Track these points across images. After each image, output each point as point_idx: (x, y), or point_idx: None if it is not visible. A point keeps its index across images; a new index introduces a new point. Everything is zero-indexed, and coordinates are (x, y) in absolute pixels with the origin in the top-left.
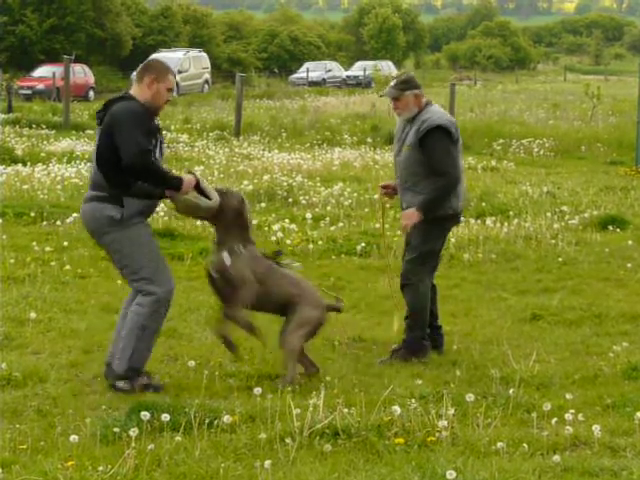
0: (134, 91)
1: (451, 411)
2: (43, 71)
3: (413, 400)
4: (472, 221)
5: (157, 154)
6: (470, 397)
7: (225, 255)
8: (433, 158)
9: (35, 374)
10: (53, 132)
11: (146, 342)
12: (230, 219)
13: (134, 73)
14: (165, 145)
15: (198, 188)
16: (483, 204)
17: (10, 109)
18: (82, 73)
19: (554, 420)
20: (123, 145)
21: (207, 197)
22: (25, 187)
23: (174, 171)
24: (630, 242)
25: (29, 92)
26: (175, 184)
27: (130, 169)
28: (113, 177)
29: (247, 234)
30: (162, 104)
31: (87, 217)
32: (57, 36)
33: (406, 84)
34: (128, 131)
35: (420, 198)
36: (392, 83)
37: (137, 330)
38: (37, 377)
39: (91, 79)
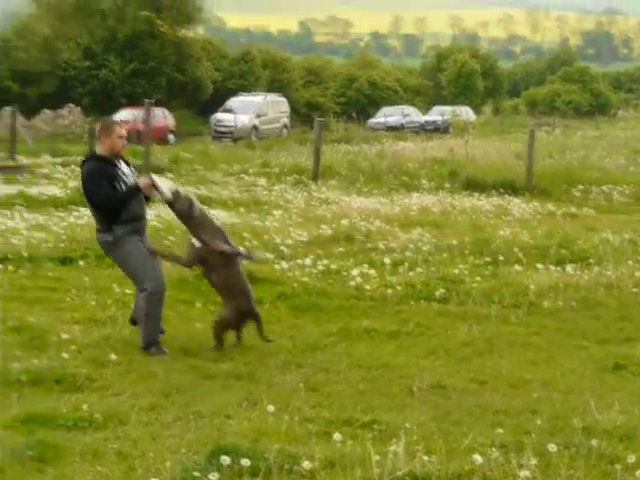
0: (97, 149)
1: (533, 461)
2: (124, 114)
3: (494, 449)
4: (552, 268)
5: (122, 185)
6: (552, 447)
7: (194, 241)
8: None
9: (115, 416)
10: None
11: (152, 324)
12: (185, 220)
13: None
14: (131, 169)
15: (155, 186)
16: (563, 251)
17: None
18: (162, 116)
19: (639, 472)
20: (93, 196)
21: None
22: None
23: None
24: None
25: None
26: (133, 192)
27: (106, 210)
28: (99, 215)
29: (204, 231)
30: (120, 149)
31: (97, 242)
32: (139, 80)
33: None
34: (92, 187)
35: None
36: None
37: (145, 317)
38: (117, 419)
39: (171, 122)
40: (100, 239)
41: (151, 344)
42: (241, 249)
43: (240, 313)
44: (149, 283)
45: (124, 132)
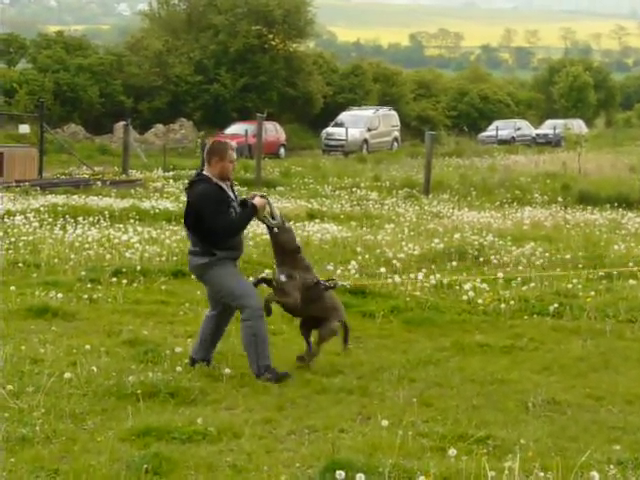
0: (207, 171)
1: None
2: (236, 129)
3: (611, 466)
4: None
5: (232, 210)
6: None
7: (282, 276)
8: None
9: (230, 429)
10: (245, 189)
11: (261, 345)
12: (287, 252)
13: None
14: (235, 194)
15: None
16: None
17: (204, 166)
18: (273, 131)
19: None
20: (210, 224)
21: (273, 217)
22: None
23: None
24: None
25: None
26: (252, 216)
27: (220, 238)
28: (203, 239)
29: (298, 263)
30: (229, 174)
31: (190, 265)
32: (250, 94)
33: None
34: (210, 213)
35: None
36: None
37: (252, 338)
38: (231, 432)
39: (282, 136)
40: (195, 262)
41: (265, 369)
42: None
43: (341, 324)
44: (251, 300)
45: (235, 156)
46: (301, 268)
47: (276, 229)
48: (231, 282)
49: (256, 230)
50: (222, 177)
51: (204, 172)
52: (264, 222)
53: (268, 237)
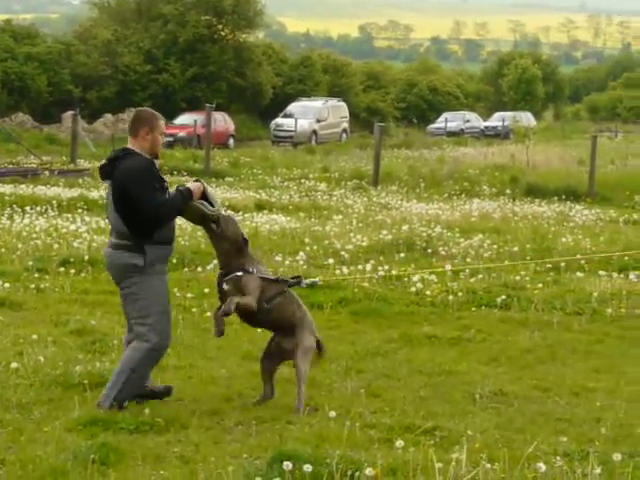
0: (132, 145)
1: (597, 470)
2: (185, 119)
3: (558, 457)
4: (615, 275)
5: (167, 194)
6: (617, 456)
7: (237, 273)
8: None
9: (177, 420)
10: (193, 179)
11: (133, 383)
12: (230, 245)
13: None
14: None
15: (204, 196)
16: (626, 258)
17: None
18: (222, 121)
19: None
20: (142, 203)
21: (211, 204)
22: None
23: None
24: None
25: (171, 139)
26: (187, 198)
27: (154, 222)
28: (135, 228)
29: (248, 255)
30: (160, 149)
31: (110, 263)
32: (199, 84)
33: None
34: (143, 189)
35: None
36: None
37: (128, 371)
38: (179, 423)
39: (231, 127)
40: (122, 260)
41: (118, 406)
42: (287, 277)
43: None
44: (158, 336)
45: (164, 128)
46: (252, 263)
47: (215, 221)
48: (153, 305)
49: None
50: (152, 152)
51: (128, 147)
52: (199, 210)
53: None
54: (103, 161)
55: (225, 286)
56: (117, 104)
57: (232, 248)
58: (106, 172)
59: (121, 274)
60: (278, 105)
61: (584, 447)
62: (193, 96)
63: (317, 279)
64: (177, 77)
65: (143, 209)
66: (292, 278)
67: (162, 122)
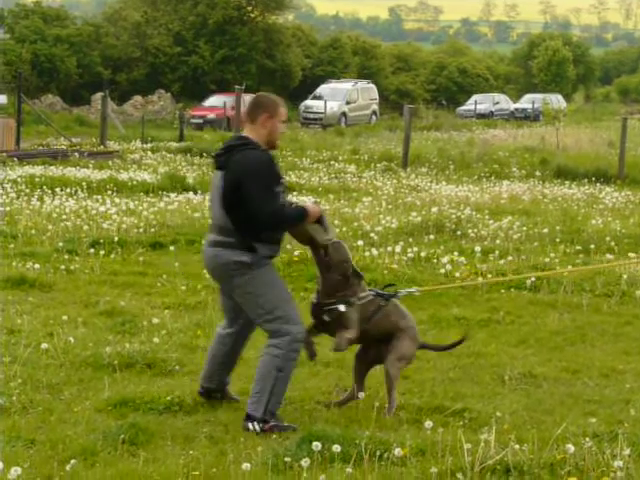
0: (249, 132)
1: (626, 451)
2: (214, 101)
3: (587, 439)
4: None
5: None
6: None
7: (341, 307)
8: None
9: (206, 401)
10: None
11: (283, 384)
12: (337, 273)
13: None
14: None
15: (319, 220)
16: None
17: (182, 137)
18: None
19: None
20: (255, 205)
21: (324, 231)
22: (196, 215)
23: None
24: None
25: (200, 121)
26: (301, 219)
27: (263, 226)
28: (243, 225)
29: (354, 286)
30: (278, 138)
31: (213, 262)
32: (228, 66)
33: None
34: (259, 189)
35: None
36: None
37: (275, 372)
38: (208, 404)
39: None
40: (228, 258)
41: (270, 414)
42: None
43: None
44: (294, 325)
45: (287, 116)
46: (356, 294)
47: (325, 249)
48: (276, 296)
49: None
50: (271, 143)
51: (245, 135)
52: (310, 235)
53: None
54: (219, 149)
55: (326, 317)
56: (146, 86)
57: (338, 278)
58: (221, 162)
59: (228, 273)
60: (307, 87)
61: (613, 428)
62: (222, 78)
63: (414, 289)
64: (206, 59)
65: (254, 211)
66: (386, 287)
67: (284, 109)
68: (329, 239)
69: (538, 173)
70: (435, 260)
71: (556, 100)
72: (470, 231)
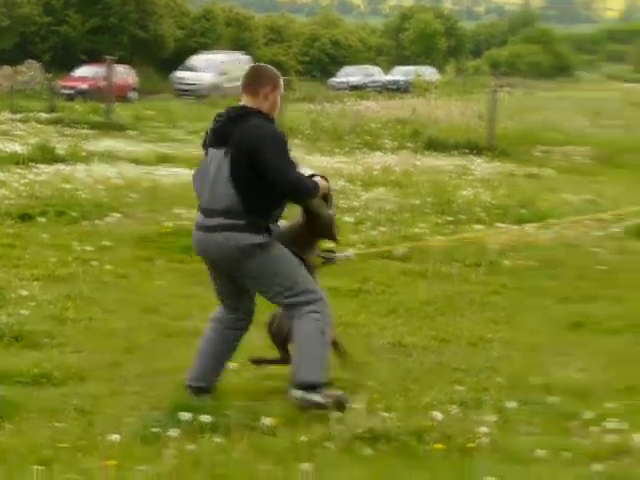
0: (249, 104)
1: (492, 418)
2: (85, 71)
3: (453, 406)
4: (513, 227)
5: None
6: (511, 404)
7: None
8: None
9: (75, 373)
10: (94, 132)
11: (326, 347)
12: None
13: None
14: None
15: (325, 197)
16: (523, 211)
17: (52, 108)
18: (124, 74)
19: (596, 428)
20: (278, 174)
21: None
22: (66, 186)
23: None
24: None
25: (71, 92)
26: (316, 192)
27: (284, 198)
28: (255, 203)
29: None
30: (277, 112)
31: (219, 248)
32: (100, 36)
33: None
34: (278, 156)
35: None
36: None
37: (319, 335)
38: (77, 376)
39: (133, 80)
40: (243, 240)
41: (319, 387)
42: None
43: None
44: (319, 294)
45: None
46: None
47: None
48: (292, 270)
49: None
50: (271, 117)
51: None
52: (316, 208)
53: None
54: (216, 124)
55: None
56: (16, 56)
57: (312, 241)
58: (223, 136)
59: (241, 257)
60: (181, 58)
61: (480, 396)
62: (93, 48)
63: (350, 252)
64: (77, 29)
65: (278, 181)
66: (324, 251)
67: (282, 81)
68: (332, 215)
69: (410, 144)
70: None
71: (428, 72)
72: (343, 202)
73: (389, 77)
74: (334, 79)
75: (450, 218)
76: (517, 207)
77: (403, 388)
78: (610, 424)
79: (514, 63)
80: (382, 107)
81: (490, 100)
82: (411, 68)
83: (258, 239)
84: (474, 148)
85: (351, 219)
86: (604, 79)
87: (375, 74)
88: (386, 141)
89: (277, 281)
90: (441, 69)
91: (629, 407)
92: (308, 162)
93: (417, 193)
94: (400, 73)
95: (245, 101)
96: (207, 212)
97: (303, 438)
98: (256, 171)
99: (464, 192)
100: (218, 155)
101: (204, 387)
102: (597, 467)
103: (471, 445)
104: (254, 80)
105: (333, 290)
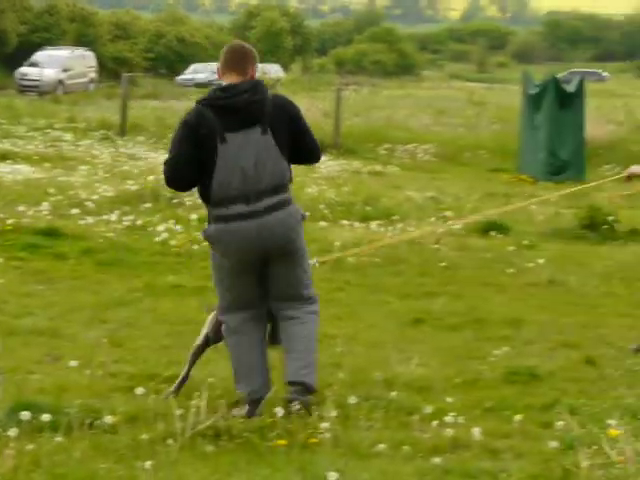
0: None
1: (333, 413)
2: None
3: (295, 402)
4: (357, 224)
5: None
6: (352, 399)
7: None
8: None
9: None
10: None
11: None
12: None
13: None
14: None
15: None
16: (368, 208)
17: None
18: None
19: (435, 423)
20: (313, 139)
21: None
22: None
23: None
24: (511, 248)
25: None
26: None
27: (310, 160)
28: (290, 172)
29: None
30: None
31: (283, 227)
32: None
33: None
34: (309, 128)
35: None
36: None
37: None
38: None
39: None
40: (294, 216)
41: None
42: None
43: None
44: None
45: None
46: None
47: None
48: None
49: None
50: None
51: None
52: None
53: None
54: (231, 109)
55: None
56: None
57: None
58: (252, 115)
59: (297, 233)
60: (24, 54)
61: (322, 391)
62: None
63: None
64: None
65: (315, 144)
66: None
67: None
68: None
69: None
70: (151, 228)
71: (275, 70)
72: (187, 199)
73: None
74: (181, 76)
75: None
76: (362, 204)
77: None
78: (449, 418)
79: (360, 62)
80: None
81: (335, 98)
82: (258, 65)
83: (301, 211)
84: (321, 146)
85: (195, 216)
86: (447, 78)
87: None
88: None
89: (304, 265)
90: (287, 67)
91: (467, 402)
92: (152, 159)
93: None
94: None
95: (232, 79)
96: (254, 196)
97: (144, 436)
98: (292, 142)
99: (309, 190)
100: (252, 135)
101: (263, 395)
102: (436, 460)
103: (313, 440)
104: (242, 59)
105: (177, 287)
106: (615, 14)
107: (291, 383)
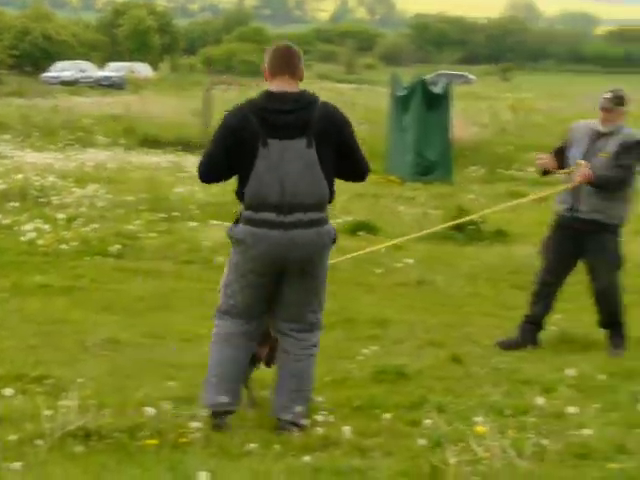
0: (288, 87)
1: (204, 413)
2: None
3: (166, 402)
4: (226, 224)
5: None
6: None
7: None
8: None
9: None
10: None
11: None
12: None
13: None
14: None
15: None
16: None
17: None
18: None
19: (306, 421)
20: (361, 155)
21: None
22: None
23: None
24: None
25: None
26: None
27: (356, 178)
28: (332, 191)
29: None
30: None
31: (311, 244)
32: None
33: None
34: (356, 139)
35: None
36: (608, 96)
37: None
38: None
39: None
40: (327, 235)
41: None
42: None
43: None
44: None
45: None
46: None
47: None
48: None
49: None
50: None
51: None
52: None
53: None
54: (279, 114)
55: None
56: None
57: None
58: (299, 126)
59: (321, 255)
60: None
61: (192, 391)
62: None
63: None
64: None
65: (363, 162)
66: None
67: None
68: None
69: (123, 141)
70: (17, 228)
71: (143, 69)
72: (54, 198)
73: (103, 73)
74: (46, 74)
75: (164, 215)
76: (232, 204)
77: (116, 385)
78: (319, 417)
79: (229, 61)
80: (95, 103)
81: (204, 97)
82: (125, 64)
83: (334, 231)
84: (188, 145)
85: (63, 215)
86: (316, 78)
87: (88, 70)
88: (100, 137)
89: (320, 288)
90: (155, 66)
91: (337, 400)
92: (19, 158)
93: (131, 190)
94: (114, 69)
95: (285, 83)
96: (286, 208)
97: (12, 437)
98: (337, 155)
99: (179, 189)
100: (296, 146)
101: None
102: (307, 459)
103: (183, 440)
104: (291, 60)
105: (44, 287)
106: (480, 17)
107: (279, 419)
